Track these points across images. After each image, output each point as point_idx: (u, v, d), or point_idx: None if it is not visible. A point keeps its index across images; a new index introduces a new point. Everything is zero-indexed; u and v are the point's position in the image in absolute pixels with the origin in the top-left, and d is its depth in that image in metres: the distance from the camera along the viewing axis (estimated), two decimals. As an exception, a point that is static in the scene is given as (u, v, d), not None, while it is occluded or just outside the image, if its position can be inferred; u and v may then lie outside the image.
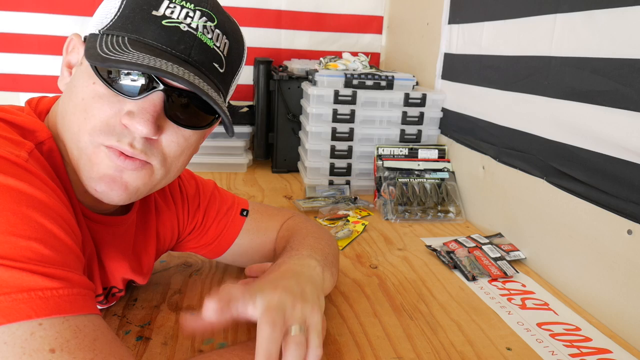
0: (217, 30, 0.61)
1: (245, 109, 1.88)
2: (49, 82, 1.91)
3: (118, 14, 0.59)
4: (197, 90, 0.56)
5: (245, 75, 1.97)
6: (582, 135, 0.95)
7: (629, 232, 0.84)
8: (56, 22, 1.87)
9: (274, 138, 1.78)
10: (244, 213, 0.90)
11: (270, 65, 1.76)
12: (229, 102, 2.03)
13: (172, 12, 0.58)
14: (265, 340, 0.55)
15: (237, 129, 1.80)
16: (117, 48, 0.55)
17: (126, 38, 0.57)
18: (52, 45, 1.88)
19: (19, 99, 1.92)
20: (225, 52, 0.62)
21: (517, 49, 1.16)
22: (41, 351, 0.43)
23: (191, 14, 0.59)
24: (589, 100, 0.92)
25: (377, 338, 0.79)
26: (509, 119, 1.20)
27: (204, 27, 0.59)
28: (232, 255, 0.91)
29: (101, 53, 0.55)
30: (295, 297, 0.62)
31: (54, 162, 0.58)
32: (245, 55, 0.69)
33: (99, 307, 0.77)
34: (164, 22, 0.58)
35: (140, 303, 0.84)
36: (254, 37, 2.04)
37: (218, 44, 0.61)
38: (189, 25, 0.58)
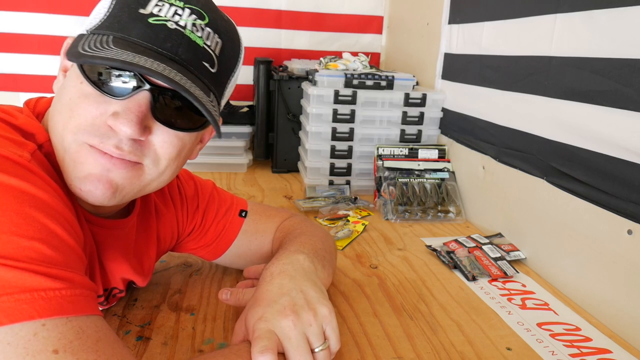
0: (208, 29, 0.59)
1: (245, 109, 1.88)
2: (49, 82, 1.89)
3: (108, 14, 0.58)
4: (176, 86, 0.54)
5: (245, 75, 1.97)
6: (582, 135, 0.95)
7: (629, 232, 0.84)
8: (56, 22, 1.87)
9: (274, 138, 1.78)
10: (243, 214, 0.90)
11: (270, 65, 1.76)
12: (229, 102, 2.00)
13: (159, 10, 0.57)
14: None
15: (237, 129, 1.80)
16: (97, 46, 0.54)
17: (111, 37, 0.56)
18: (52, 45, 1.88)
19: (19, 99, 1.92)
20: (217, 51, 0.61)
21: (517, 49, 1.16)
22: (44, 352, 0.43)
23: (180, 11, 0.58)
24: (589, 100, 0.92)
25: (377, 338, 0.79)
26: (508, 119, 1.20)
27: (194, 25, 0.58)
28: (230, 257, 0.91)
29: (80, 51, 0.54)
30: (304, 308, 0.64)
31: (54, 165, 0.58)
32: (242, 55, 0.67)
33: (99, 308, 0.77)
34: (150, 20, 0.56)
35: (140, 303, 0.84)
36: (254, 37, 2.03)
37: (209, 43, 0.59)
38: (177, 23, 0.57)
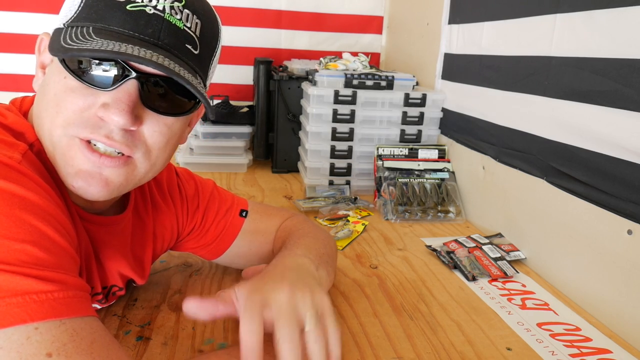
0: (186, 10, 0.59)
1: (245, 109, 1.88)
2: (49, 82, 1.91)
3: (82, 5, 0.57)
4: (167, 72, 0.54)
5: (245, 75, 1.97)
6: (582, 135, 0.95)
7: (629, 232, 0.84)
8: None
9: (274, 138, 1.78)
10: (243, 214, 0.90)
11: (270, 65, 1.75)
12: (227, 100, 2.00)
13: None
14: (287, 340, 0.55)
15: (237, 129, 1.80)
16: (80, 38, 0.54)
17: (91, 27, 0.55)
18: (52, 45, 1.88)
19: (19, 99, 1.92)
20: (197, 33, 0.60)
21: (517, 49, 1.15)
22: (38, 356, 0.42)
23: None
24: (589, 100, 0.92)
25: (377, 338, 0.79)
26: (508, 119, 1.20)
27: (172, 7, 0.57)
28: (230, 257, 0.91)
29: (64, 44, 0.53)
30: (303, 289, 0.61)
31: (46, 164, 0.57)
32: (221, 34, 0.66)
33: (99, 306, 0.77)
34: (128, 7, 0.56)
35: (140, 303, 0.84)
36: (254, 37, 2.03)
37: (189, 25, 0.59)
38: (154, 7, 0.56)
